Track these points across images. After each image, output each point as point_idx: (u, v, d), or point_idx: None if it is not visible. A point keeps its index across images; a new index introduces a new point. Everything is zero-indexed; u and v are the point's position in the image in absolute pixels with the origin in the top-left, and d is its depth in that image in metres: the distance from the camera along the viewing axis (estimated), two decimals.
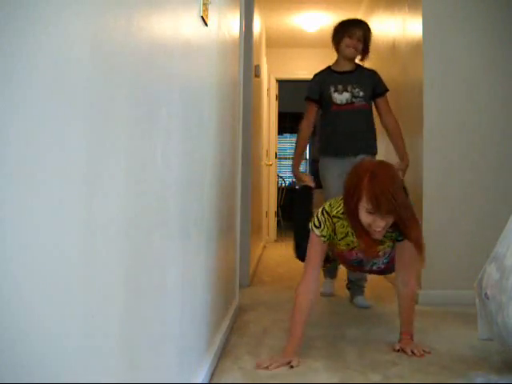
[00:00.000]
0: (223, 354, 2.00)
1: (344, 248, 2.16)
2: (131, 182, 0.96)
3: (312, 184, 2.76)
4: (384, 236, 2.03)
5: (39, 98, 0.63)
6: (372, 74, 2.98)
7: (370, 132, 2.92)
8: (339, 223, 2.07)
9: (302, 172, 3.05)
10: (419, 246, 1.98)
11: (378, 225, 1.87)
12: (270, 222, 6.35)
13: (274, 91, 6.35)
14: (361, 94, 2.86)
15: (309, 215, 2.32)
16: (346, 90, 2.87)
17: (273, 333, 2.31)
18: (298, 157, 3.05)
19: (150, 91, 1.08)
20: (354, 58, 2.95)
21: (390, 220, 1.89)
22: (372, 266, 2.31)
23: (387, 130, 2.92)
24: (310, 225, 2.10)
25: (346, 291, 3.06)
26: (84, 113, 0.76)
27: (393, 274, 2.28)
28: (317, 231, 2.07)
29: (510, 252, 1.75)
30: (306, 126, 3.02)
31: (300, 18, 5.49)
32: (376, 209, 1.84)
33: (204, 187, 1.72)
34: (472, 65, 3.01)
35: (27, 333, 0.62)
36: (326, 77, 2.95)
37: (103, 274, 0.83)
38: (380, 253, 2.17)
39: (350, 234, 2.09)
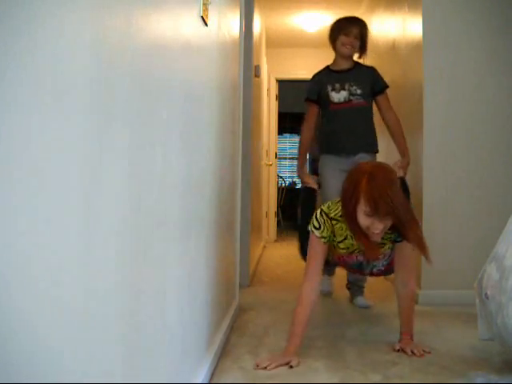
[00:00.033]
0: (223, 353, 2.00)
1: (344, 251, 2.14)
2: (131, 183, 0.96)
3: (315, 186, 2.77)
4: (383, 238, 2.03)
5: (37, 97, 0.63)
6: (371, 70, 2.96)
7: (369, 130, 2.89)
8: (338, 225, 2.06)
9: (307, 174, 3.02)
10: (421, 247, 1.98)
11: (376, 227, 1.87)
12: (270, 222, 6.35)
13: (274, 91, 6.35)
14: (358, 91, 2.83)
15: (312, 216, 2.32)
16: (344, 89, 2.85)
17: (273, 333, 2.31)
18: (301, 158, 3.06)
19: (150, 91, 1.08)
20: (352, 56, 2.93)
21: (389, 222, 1.89)
22: (372, 268, 2.30)
23: (388, 127, 2.90)
24: (310, 226, 2.09)
25: (346, 291, 3.06)
26: (83, 113, 0.76)
27: (392, 275, 2.28)
28: (317, 232, 2.06)
29: (510, 252, 1.75)
30: (307, 127, 3.02)
31: (300, 17, 5.49)
32: (374, 211, 1.83)
33: (204, 187, 1.72)
34: (472, 64, 3.01)
35: (27, 333, 0.62)
36: (324, 76, 2.94)
37: (103, 274, 0.83)
38: (380, 255, 2.16)
39: (349, 236, 2.08)
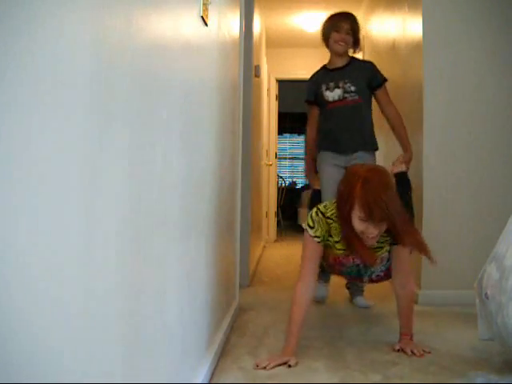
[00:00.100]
0: (223, 353, 2.00)
1: (340, 252, 2.12)
2: (131, 183, 0.96)
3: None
4: (380, 241, 2.03)
5: (37, 97, 0.63)
6: (367, 65, 2.93)
7: (365, 127, 2.85)
8: (333, 225, 2.05)
9: (315, 177, 3.00)
10: (422, 249, 1.98)
11: (371, 232, 1.86)
12: (270, 222, 6.35)
13: (274, 91, 6.35)
14: (352, 88, 2.80)
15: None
16: (338, 87, 2.82)
17: (272, 333, 2.31)
18: (308, 160, 3.06)
19: (150, 91, 1.08)
20: (346, 52, 2.90)
21: (384, 227, 1.88)
22: (371, 274, 2.29)
23: (388, 122, 2.86)
24: (304, 225, 2.09)
25: (346, 291, 3.06)
26: (83, 113, 0.76)
27: None
28: (311, 231, 2.06)
29: (510, 252, 1.75)
30: (310, 127, 3.02)
31: (300, 17, 5.49)
32: (369, 217, 1.83)
33: (204, 187, 1.72)
34: (472, 64, 3.01)
35: (27, 333, 0.62)
36: (320, 76, 2.93)
37: (103, 274, 0.83)
38: (377, 259, 2.15)
39: None
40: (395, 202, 1.86)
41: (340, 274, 2.38)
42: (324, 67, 2.98)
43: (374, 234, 1.87)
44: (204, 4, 1.60)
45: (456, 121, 3.00)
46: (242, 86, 2.85)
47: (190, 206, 1.49)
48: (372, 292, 3.09)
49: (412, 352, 1.99)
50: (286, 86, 6.93)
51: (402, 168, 2.65)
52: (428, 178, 2.98)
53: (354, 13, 3.08)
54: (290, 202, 8.31)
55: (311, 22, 5.50)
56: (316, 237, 2.05)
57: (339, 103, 2.82)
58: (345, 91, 2.81)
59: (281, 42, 6.23)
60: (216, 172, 1.95)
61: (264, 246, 5.65)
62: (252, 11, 3.52)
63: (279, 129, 6.81)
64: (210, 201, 1.83)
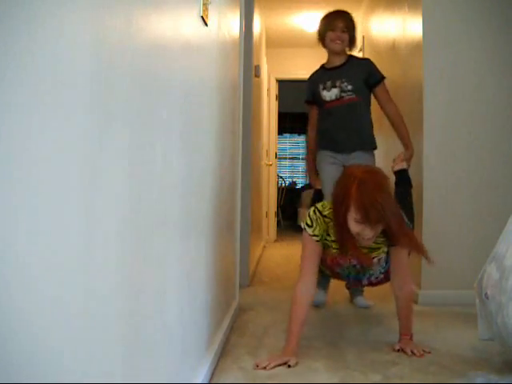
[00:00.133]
0: (223, 353, 2.00)
1: (336, 251, 2.11)
2: (131, 183, 0.96)
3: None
4: (377, 242, 2.03)
5: (37, 97, 0.63)
6: (365, 63, 2.91)
7: (363, 126, 2.82)
8: (331, 224, 2.05)
9: (316, 178, 2.98)
10: (418, 249, 1.98)
11: (366, 234, 1.86)
12: (270, 222, 6.35)
13: (274, 91, 6.35)
14: (349, 87, 2.78)
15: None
16: (335, 86, 2.81)
17: (272, 333, 2.31)
18: (309, 160, 3.05)
19: (150, 91, 1.08)
20: (343, 51, 2.88)
21: (379, 228, 1.88)
22: (370, 277, 2.29)
23: (389, 119, 2.84)
24: (303, 224, 2.08)
25: (346, 291, 3.06)
26: (83, 113, 0.76)
27: None
28: (309, 230, 2.05)
29: (510, 252, 1.75)
30: (310, 127, 3.02)
31: (300, 17, 5.49)
32: (365, 219, 1.82)
33: (204, 187, 1.72)
34: (472, 64, 3.01)
35: (27, 333, 0.62)
36: (318, 76, 2.92)
37: (103, 274, 0.83)
38: (375, 259, 2.15)
39: None
40: (391, 203, 1.86)
41: (339, 276, 2.38)
42: (322, 67, 2.97)
43: (369, 235, 1.87)
44: (204, 4, 1.60)
45: (456, 121, 3.00)
46: (241, 85, 2.85)
47: (190, 205, 1.49)
48: (372, 292, 3.09)
49: (412, 352, 1.99)
50: (286, 86, 6.94)
51: (402, 166, 2.65)
52: (428, 177, 2.98)
53: (354, 13, 3.08)
54: (290, 201, 8.32)
55: (311, 21, 5.50)
56: (314, 235, 2.04)
57: (336, 102, 2.81)
58: (341, 90, 2.79)
59: (281, 42, 6.23)
60: (216, 172, 1.95)
61: (264, 246, 5.65)
62: (252, 11, 3.52)
63: (279, 129, 6.82)
64: (210, 201, 1.83)
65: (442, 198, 2.98)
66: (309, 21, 5.50)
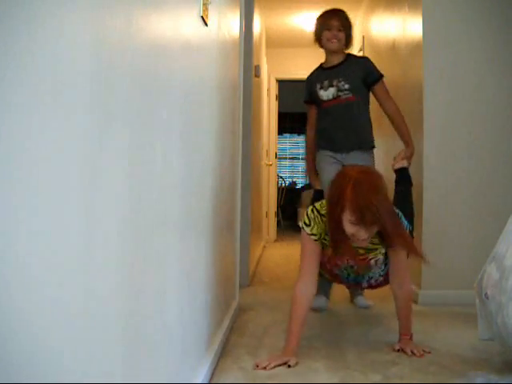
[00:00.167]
0: (223, 353, 2.00)
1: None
2: (131, 183, 0.96)
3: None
4: (374, 243, 2.02)
5: (37, 97, 0.63)
6: (363, 61, 2.89)
7: (361, 125, 2.80)
8: None
9: (316, 178, 2.97)
10: (413, 251, 1.98)
11: (361, 235, 1.86)
12: (270, 222, 6.35)
13: (274, 91, 6.35)
14: (346, 86, 2.76)
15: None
16: (332, 85, 2.79)
17: (272, 333, 2.31)
18: (308, 160, 3.04)
19: (150, 91, 1.08)
20: (340, 50, 2.86)
21: (374, 229, 1.87)
22: (370, 280, 2.29)
23: (388, 118, 2.83)
24: (301, 223, 2.08)
25: (346, 291, 3.06)
26: (83, 113, 0.76)
27: None
28: (307, 229, 2.05)
29: (510, 252, 1.75)
30: (309, 127, 3.01)
31: (300, 17, 5.50)
32: (360, 221, 1.81)
33: (204, 187, 1.72)
34: (472, 64, 3.01)
35: (27, 333, 0.62)
36: (315, 75, 2.91)
37: (103, 274, 0.83)
38: (372, 261, 2.14)
39: None
40: (386, 204, 1.85)
41: (338, 278, 2.36)
42: (320, 66, 2.96)
43: (364, 236, 1.86)
44: (204, 4, 1.60)
45: (456, 121, 3.00)
46: (241, 85, 2.85)
47: (190, 205, 1.49)
48: (372, 292, 3.09)
49: (412, 352, 1.99)
50: (286, 86, 6.94)
51: (403, 164, 2.65)
52: (428, 177, 2.98)
53: (354, 13, 3.08)
54: (290, 201, 8.32)
55: (311, 21, 5.46)
56: (312, 234, 2.04)
57: (333, 102, 2.79)
58: (338, 89, 2.77)
59: (281, 42, 6.23)
60: (216, 172, 1.95)
61: (264, 246, 5.65)
62: (252, 11, 3.53)
63: (279, 129, 6.82)
64: (210, 201, 1.83)
65: (441, 197, 2.98)
66: (309, 21, 5.49)
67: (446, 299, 2.89)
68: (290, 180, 9.75)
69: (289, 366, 1.85)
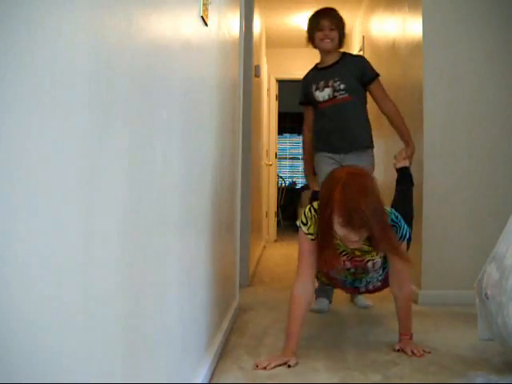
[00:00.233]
0: (223, 353, 2.00)
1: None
2: (131, 183, 0.96)
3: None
4: (369, 245, 2.02)
5: (36, 97, 0.63)
6: (358, 61, 2.88)
7: (358, 126, 2.78)
8: None
9: (314, 179, 2.96)
10: (398, 255, 1.97)
11: (352, 237, 1.85)
12: (270, 222, 6.35)
13: (274, 91, 6.35)
14: (342, 86, 2.73)
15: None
16: (327, 86, 2.77)
17: (272, 333, 2.31)
18: (306, 160, 3.03)
19: (150, 91, 1.08)
20: (335, 49, 2.83)
21: (364, 232, 1.86)
22: (367, 284, 2.28)
23: (386, 117, 2.81)
24: (298, 222, 2.08)
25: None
26: (83, 113, 0.76)
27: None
28: (304, 228, 2.05)
29: (510, 252, 1.75)
30: (306, 128, 2.99)
31: (300, 17, 5.49)
32: (347, 223, 1.80)
33: (204, 187, 1.72)
34: (472, 64, 3.01)
35: (27, 333, 0.62)
36: (311, 76, 2.89)
37: (102, 274, 0.83)
38: (369, 263, 2.13)
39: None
40: (375, 207, 1.82)
41: (336, 282, 2.34)
42: (315, 67, 2.93)
43: (355, 238, 1.86)
44: (204, 4, 1.60)
45: (456, 121, 3.00)
46: (241, 85, 2.85)
47: (190, 205, 1.49)
48: None
49: (412, 352, 1.99)
50: (286, 86, 6.93)
51: (404, 163, 2.65)
52: (428, 177, 2.98)
53: (354, 13, 3.07)
54: (290, 201, 8.32)
55: None
56: (309, 234, 2.03)
57: (329, 102, 2.77)
58: (334, 90, 2.75)
59: (281, 42, 6.23)
60: (216, 171, 1.95)
61: (264, 246, 5.65)
62: (252, 11, 3.53)
63: (279, 129, 6.82)
64: (210, 200, 1.83)
65: (441, 197, 2.98)
66: None
67: (446, 299, 2.89)
68: (290, 180, 9.75)
69: (289, 366, 1.85)
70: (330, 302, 2.82)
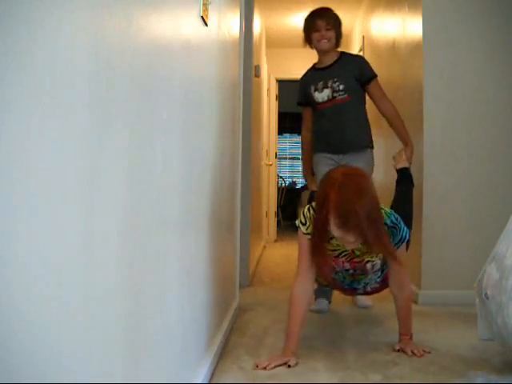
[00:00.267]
0: (223, 353, 2.00)
1: (330, 253, 2.09)
2: (131, 183, 0.96)
3: None
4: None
5: (36, 97, 0.63)
6: (357, 60, 2.87)
7: (357, 126, 2.78)
8: None
9: (312, 179, 2.95)
10: (392, 258, 1.97)
11: (348, 238, 1.85)
12: (270, 221, 6.35)
13: (274, 91, 6.35)
14: (341, 87, 2.73)
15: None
16: (327, 87, 2.76)
17: (272, 333, 2.31)
18: (305, 160, 3.03)
19: (150, 91, 1.08)
20: (332, 48, 2.82)
21: (359, 234, 1.85)
22: (365, 286, 2.27)
23: (385, 117, 2.81)
24: (297, 222, 2.08)
25: None
26: (83, 113, 0.76)
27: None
28: (303, 228, 2.04)
29: (510, 252, 1.74)
30: (304, 129, 2.99)
31: (300, 17, 5.47)
32: (342, 225, 1.80)
33: (204, 187, 1.72)
34: (472, 64, 3.01)
35: (27, 333, 0.62)
36: (309, 77, 2.88)
37: (102, 274, 0.83)
38: (368, 264, 2.12)
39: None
40: (370, 208, 1.81)
41: (334, 283, 2.33)
42: (313, 67, 2.93)
43: (351, 239, 1.85)
44: (204, 4, 1.60)
45: (456, 121, 3.00)
46: (241, 85, 2.85)
47: (190, 205, 1.49)
48: None
49: (412, 352, 1.99)
50: (286, 86, 6.93)
51: (404, 164, 2.64)
52: (428, 177, 2.98)
53: (354, 13, 3.07)
54: (290, 201, 8.32)
55: None
56: (308, 234, 2.03)
57: (329, 103, 2.76)
58: (333, 90, 2.74)
59: (281, 42, 6.23)
60: (216, 171, 1.95)
61: (264, 246, 5.65)
62: (252, 11, 3.53)
63: (279, 129, 6.82)
64: (210, 200, 1.83)
65: (441, 197, 2.98)
66: None
67: (446, 299, 2.89)
68: (290, 180, 9.75)
69: (289, 366, 1.85)
70: (330, 302, 2.82)
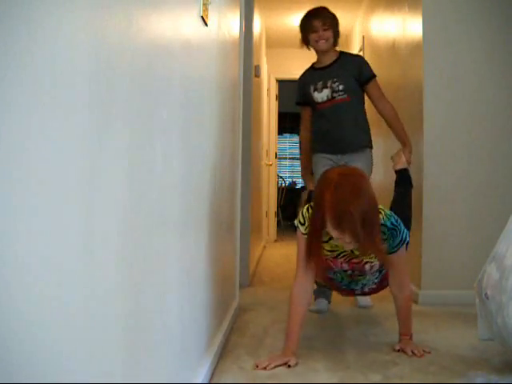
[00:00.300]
0: (223, 353, 2.00)
1: (328, 254, 2.09)
2: (131, 183, 0.96)
3: None
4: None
5: (36, 97, 0.63)
6: (356, 60, 2.86)
7: (356, 126, 2.77)
8: None
9: (310, 179, 2.95)
10: (384, 261, 1.97)
11: (345, 239, 1.85)
12: (270, 222, 6.35)
13: (274, 91, 6.35)
14: (340, 87, 2.72)
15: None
16: (326, 87, 2.75)
17: (272, 333, 2.31)
18: (303, 160, 3.02)
19: (149, 91, 1.08)
20: (330, 48, 2.81)
21: (354, 234, 1.84)
22: (363, 287, 2.27)
23: (383, 117, 2.80)
24: (296, 222, 2.08)
25: None
26: (83, 113, 0.76)
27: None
28: (301, 228, 2.04)
29: (510, 252, 1.74)
30: (303, 129, 2.99)
31: (300, 17, 5.49)
32: (338, 226, 1.80)
33: (204, 187, 1.72)
34: (472, 64, 3.01)
35: (27, 333, 0.62)
36: (308, 77, 2.88)
37: (103, 274, 0.83)
38: (367, 265, 2.12)
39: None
40: (365, 209, 1.80)
41: (332, 283, 2.32)
42: (312, 66, 2.92)
43: (348, 240, 1.85)
44: (204, 4, 1.60)
45: (456, 121, 3.00)
46: (241, 85, 2.85)
47: (190, 205, 1.49)
48: None
49: (412, 352, 1.99)
50: (286, 86, 6.93)
51: (403, 165, 2.64)
52: (428, 177, 2.98)
53: (354, 13, 3.07)
54: (290, 201, 8.32)
55: None
56: (307, 234, 2.03)
57: (328, 103, 2.76)
58: (333, 91, 2.73)
59: (281, 42, 6.23)
60: (216, 171, 1.95)
61: (264, 246, 5.65)
62: (252, 11, 3.53)
63: (279, 129, 6.82)
64: (210, 200, 1.83)
65: (441, 197, 2.98)
66: None
67: (446, 299, 2.89)
68: (290, 180, 9.75)
69: (289, 366, 1.85)
70: (329, 302, 2.82)
